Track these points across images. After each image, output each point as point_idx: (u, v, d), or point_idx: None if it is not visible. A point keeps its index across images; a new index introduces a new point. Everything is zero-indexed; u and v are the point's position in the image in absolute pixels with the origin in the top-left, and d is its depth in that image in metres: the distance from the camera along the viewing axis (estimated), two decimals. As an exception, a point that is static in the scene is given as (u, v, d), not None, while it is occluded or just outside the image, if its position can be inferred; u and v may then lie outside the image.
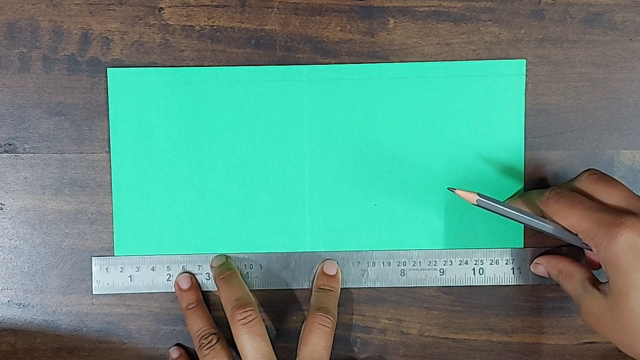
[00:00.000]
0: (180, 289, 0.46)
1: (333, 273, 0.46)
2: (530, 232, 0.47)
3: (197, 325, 0.45)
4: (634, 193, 0.41)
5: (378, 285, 0.47)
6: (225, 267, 0.46)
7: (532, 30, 0.46)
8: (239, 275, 0.46)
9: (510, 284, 0.47)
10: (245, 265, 0.47)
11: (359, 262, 0.47)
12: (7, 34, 0.46)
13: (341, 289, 0.47)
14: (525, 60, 0.46)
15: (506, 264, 0.47)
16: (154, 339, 0.48)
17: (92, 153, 0.47)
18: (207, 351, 0.44)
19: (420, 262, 0.47)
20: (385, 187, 0.46)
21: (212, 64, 0.46)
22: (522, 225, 0.46)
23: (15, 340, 0.48)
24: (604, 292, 0.40)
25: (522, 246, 0.47)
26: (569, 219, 0.40)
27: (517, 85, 0.46)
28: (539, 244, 0.47)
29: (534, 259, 0.46)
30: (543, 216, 0.42)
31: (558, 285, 0.47)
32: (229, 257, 0.46)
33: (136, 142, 0.46)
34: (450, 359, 0.48)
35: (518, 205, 0.43)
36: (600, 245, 0.38)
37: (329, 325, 0.44)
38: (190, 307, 0.46)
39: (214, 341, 0.44)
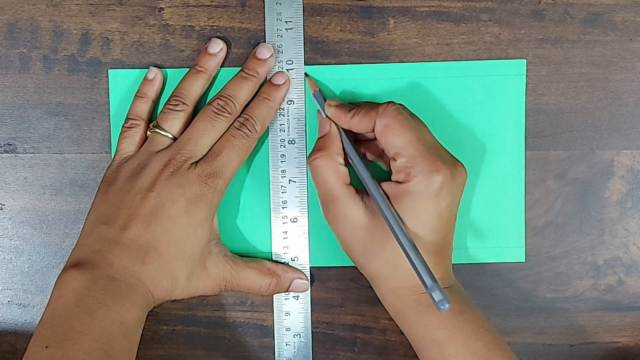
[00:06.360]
0: (208, 53, 0.45)
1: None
2: (530, 234, 0.47)
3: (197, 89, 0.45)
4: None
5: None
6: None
7: (532, 30, 0.46)
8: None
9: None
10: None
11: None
12: (7, 34, 0.46)
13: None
14: (525, 60, 0.46)
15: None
16: (154, 339, 0.48)
17: (92, 153, 0.47)
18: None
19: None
20: (385, 187, 0.46)
21: (212, 64, 0.46)
22: (523, 226, 0.46)
23: (15, 340, 0.48)
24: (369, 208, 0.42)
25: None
26: (399, 137, 0.41)
27: (517, 85, 0.46)
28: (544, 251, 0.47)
29: None
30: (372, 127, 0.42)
31: (555, 286, 0.47)
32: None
33: (136, 142, 0.46)
34: (450, 359, 0.48)
35: (351, 117, 0.43)
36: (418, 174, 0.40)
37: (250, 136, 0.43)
38: (200, 69, 0.45)
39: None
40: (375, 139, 0.43)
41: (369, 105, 0.43)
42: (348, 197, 0.42)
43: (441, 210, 0.41)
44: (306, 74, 0.45)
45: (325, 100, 0.44)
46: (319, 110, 0.45)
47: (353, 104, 0.44)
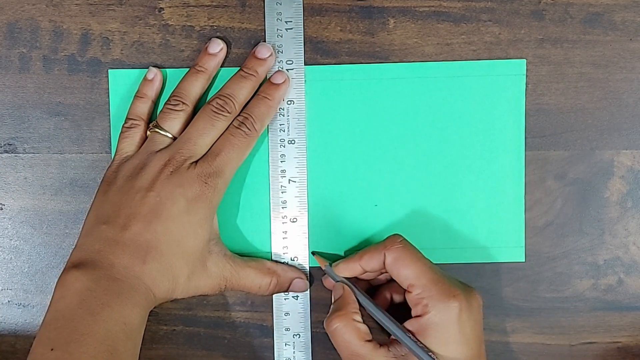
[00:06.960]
0: (208, 53, 0.45)
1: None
2: (530, 234, 0.47)
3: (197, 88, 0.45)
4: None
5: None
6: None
7: (532, 30, 0.46)
8: None
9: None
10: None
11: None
12: (7, 34, 0.46)
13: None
14: (525, 60, 0.46)
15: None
16: (154, 339, 0.48)
17: (92, 153, 0.47)
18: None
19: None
20: (385, 188, 0.46)
21: (212, 64, 0.46)
22: (523, 226, 0.46)
23: (15, 340, 0.48)
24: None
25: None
26: (411, 269, 0.41)
27: (517, 85, 0.46)
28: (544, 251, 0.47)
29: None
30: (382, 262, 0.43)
31: (555, 286, 0.47)
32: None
33: (136, 142, 0.46)
34: (450, 359, 0.48)
35: (361, 259, 0.43)
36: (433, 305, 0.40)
37: (250, 135, 0.44)
38: (200, 69, 0.45)
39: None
40: (385, 284, 0.45)
41: (373, 246, 0.43)
42: (373, 352, 0.41)
43: (467, 337, 0.40)
44: (314, 253, 0.46)
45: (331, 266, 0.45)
46: (325, 278, 0.46)
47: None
